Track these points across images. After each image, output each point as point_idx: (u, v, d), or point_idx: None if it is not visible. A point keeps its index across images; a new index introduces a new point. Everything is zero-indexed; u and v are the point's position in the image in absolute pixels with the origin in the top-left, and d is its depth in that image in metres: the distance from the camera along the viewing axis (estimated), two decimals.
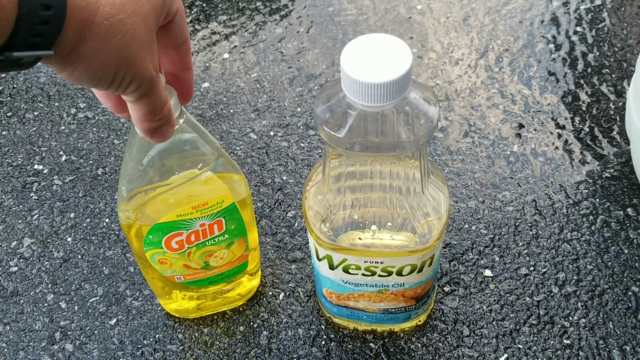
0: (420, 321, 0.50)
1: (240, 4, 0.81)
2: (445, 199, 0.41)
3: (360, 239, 0.40)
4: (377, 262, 0.41)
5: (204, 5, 0.81)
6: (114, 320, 0.52)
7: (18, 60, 0.25)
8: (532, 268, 0.54)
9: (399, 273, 0.42)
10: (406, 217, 0.39)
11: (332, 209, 0.40)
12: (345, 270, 0.42)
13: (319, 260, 0.43)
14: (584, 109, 0.66)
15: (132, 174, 0.40)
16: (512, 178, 0.60)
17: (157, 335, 0.51)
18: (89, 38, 0.26)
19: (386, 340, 0.50)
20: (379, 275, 0.42)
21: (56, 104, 0.70)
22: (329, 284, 0.45)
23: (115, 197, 0.61)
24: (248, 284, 0.52)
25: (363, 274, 0.42)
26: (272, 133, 0.66)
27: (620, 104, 0.66)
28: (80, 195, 0.61)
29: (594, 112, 0.66)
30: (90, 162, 0.64)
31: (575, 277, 0.53)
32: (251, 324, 0.51)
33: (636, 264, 0.53)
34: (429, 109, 0.35)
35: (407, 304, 0.46)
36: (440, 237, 0.41)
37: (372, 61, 0.32)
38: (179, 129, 0.38)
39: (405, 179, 0.37)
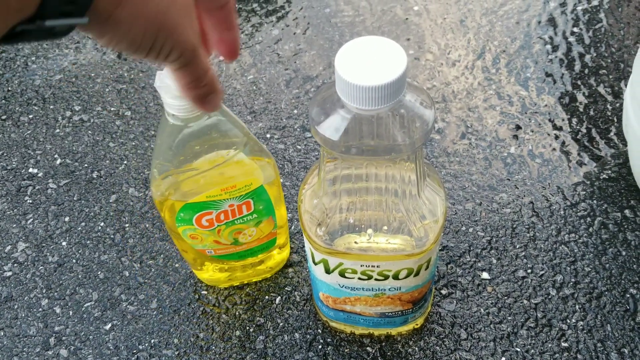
0: (417, 324, 0.50)
1: (236, 5, 0.80)
2: (441, 202, 0.41)
3: (356, 242, 0.40)
4: (374, 266, 0.41)
5: None
6: (109, 325, 0.52)
7: (51, 29, 0.24)
8: (529, 270, 0.53)
9: (396, 277, 0.41)
10: (402, 220, 0.39)
11: (327, 213, 0.39)
12: (342, 274, 0.42)
13: (315, 264, 0.43)
14: (581, 110, 0.66)
15: (163, 156, 0.41)
16: (509, 180, 0.60)
17: (152, 340, 0.51)
18: (126, 3, 0.25)
19: (383, 344, 0.50)
20: (376, 279, 0.42)
21: (51, 106, 0.69)
22: (325, 288, 0.45)
23: (111, 201, 0.60)
24: (278, 257, 0.53)
25: (359, 278, 0.42)
26: (268, 135, 0.65)
27: (618, 105, 0.66)
28: (75, 198, 0.61)
29: (592, 113, 0.66)
30: (85, 165, 0.63)
31: (573, 280, 0.53)
32: (247, 328, 0.51)
33: (634, 265, 0.53)
34: (424, 112, 0.35)
35: (404, 307, 0.46)
36: (436, 240, 0.40)
37: (366, 64, 0.32)
38: (208, 114, 0.39)
39: (401, 182, 0.37)
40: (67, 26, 0.24)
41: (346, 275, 0.42)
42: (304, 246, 0.56)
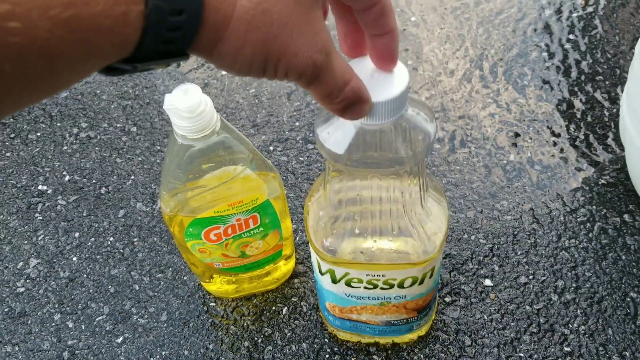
0: (422, 332, 0.51)
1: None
2: (443, 212, 0.42)
3: (362, 252, 0.41)
4: (379, 275, 0.42)
5: None
6: (121, 338, 0.53)
7: (148, 68, 0.23)
8: (531, 276, 0.54)
9: (401, 285, 0.43)
10: (406, 230, 0.40)
11: (333, 223, 0.40)
12: (348, 284, 0.43)
13: (322, 274, 0.44)
14: (578, 116, 0.67)
15: (172, 175, 0.43)
16: (509, 187, 0.61)
17: (163, 353, 0.52)
18: (228, 37, 0.23)
19: (389, 352, 0.51)
20: (381, 288, 0.43)
21: (58, 124, 0.71)
22: (332, 297, 0.46)
23: (119, 216, 0.61)
24: (284, 268, 0.55)
25: (365, 287, 0.43)
26: (271, 148, 0.67)
27: (615, 110, 0.67)
28: (84, 214, 0.62)
29: (589, 119, 0.67)
30: (94, 181, 0.65)
31: (574, 285, 0.54)
32: (255, 339, 0.52)
33: (634, 269, 0.54)
34: (426, 125, 0.36)
35: (409, 315, 0.47)
36: (440, 249, 0.41)
37: (369, 80, 0.33)
38: (215, 132, 0.41)
39: (404, 194, 0.38)
40: (164, 64, 0.24)
41: (352, 285, 0.43)
42: (309, 257, 0.57)
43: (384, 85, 0.33)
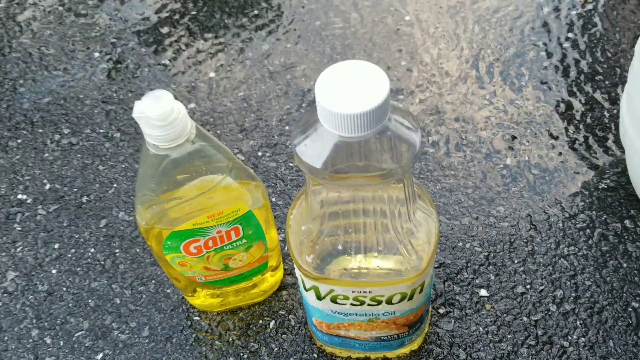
0: (414, 346, 0.49)
1: (225, 21, 0.80)
2: (433, 224, 0.39)
3: (345, 269, 0.39)
4: (365, 292, 0.39)
5: (189, 23, 0.79)
6: (100, 355, 0.51)
7: None
8: (528, 286, 0.52)
9: (389, 302, 0.40)
10: (393, 244, 0.38)
11: (316, 239, 0.38)
12: (334, 301, 0.41)
13: (306, 290, 0.42)
14: (577, 118, 0.65)
15: (147, 187, 0.40)
16: (505, 192, 0.59)
17: None
18: None
19: None
20: (368, 305, 0.41)
21: (40, 130, 0.69)
22: (318, 313, 0.44)
23: (101, 226, 0.59)
24: (271, 279, 0.52)
25: (352, 304, 0.41)
26: (260, 153, 0.64)
27: (615, 111, 0.65)
28: (64, 225, 0.60)
29: (588, 120, 0.64)
30: (75, 189, 0.62)
31: (573, 294, 0.51)
32: (241, 355, 0.50)
33: (635, 278, 0.52)
34: (410, 135, 0.34)
35: (400, 330, 0.44)
36: (429, 263, 0.39)
37: (347, 90, 0.31)
38: (189, 141, 0.38)
39: (390, 205, 0.36)
40: None
41: (338, 301, 0.41)
42: None
43: (364, 95, 0.31)
